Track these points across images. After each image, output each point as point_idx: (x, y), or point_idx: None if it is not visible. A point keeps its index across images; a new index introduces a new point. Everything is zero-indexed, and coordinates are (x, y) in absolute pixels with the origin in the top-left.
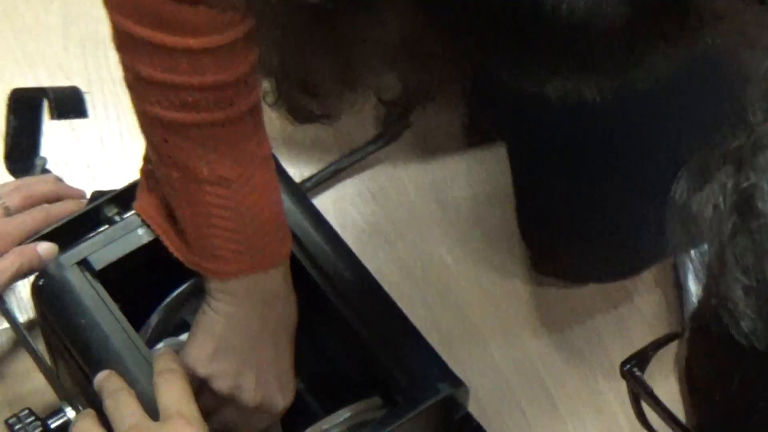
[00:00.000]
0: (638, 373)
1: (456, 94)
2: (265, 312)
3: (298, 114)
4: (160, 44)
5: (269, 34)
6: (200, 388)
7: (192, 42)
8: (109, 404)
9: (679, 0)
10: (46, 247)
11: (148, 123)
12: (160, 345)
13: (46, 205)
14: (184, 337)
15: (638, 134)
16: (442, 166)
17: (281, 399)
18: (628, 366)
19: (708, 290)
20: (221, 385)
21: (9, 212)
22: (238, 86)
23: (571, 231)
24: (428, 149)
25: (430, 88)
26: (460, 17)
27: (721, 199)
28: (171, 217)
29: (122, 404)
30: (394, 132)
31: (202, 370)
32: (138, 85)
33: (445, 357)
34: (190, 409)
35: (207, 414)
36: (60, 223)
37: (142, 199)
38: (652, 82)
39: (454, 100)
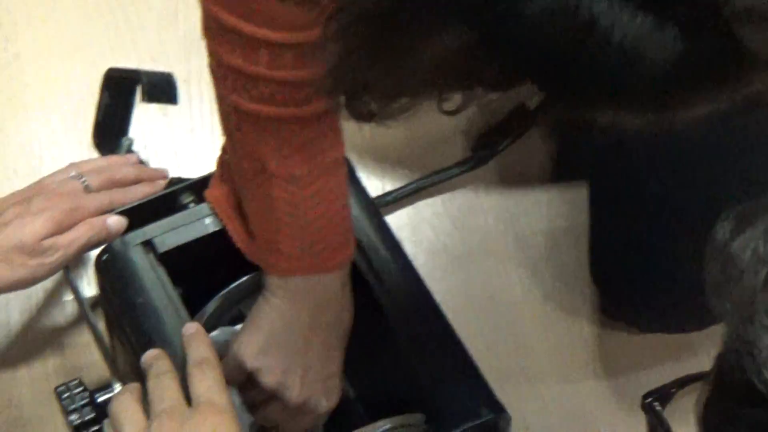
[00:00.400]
0: (658, 408)
1: (548, 128)
2: (319, 313)
3: (353, 109)
4: (243, 33)
5: (334, 27)
6: (247, 381)
7: (275, 35)
8: (151, 384)
9: (735, 45)
10: (115, 220)
11: (225, 109)
12: (215, 332)
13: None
14: (239, 327)
15: (715, 193)
16: (524, 198)
17: (325, 401)
18: (650, 399)
19: (735, 334)
20: (267, 379)
21: (89, 190)
22: (316, 85)
23: (642, 280)
24: (512, 179)
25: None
26: (511, 35)
27: (761, 244)
28: (239, 209)
29: (164, 387)
30: (481, 157)
31: (250, 363)
32: (219, 72)
33: (498, 388)
34: (222, 398)
35: (252, 407)
36: (134, 203)
37: (214, 188)
38: (694, 122)
39: (546, 133)
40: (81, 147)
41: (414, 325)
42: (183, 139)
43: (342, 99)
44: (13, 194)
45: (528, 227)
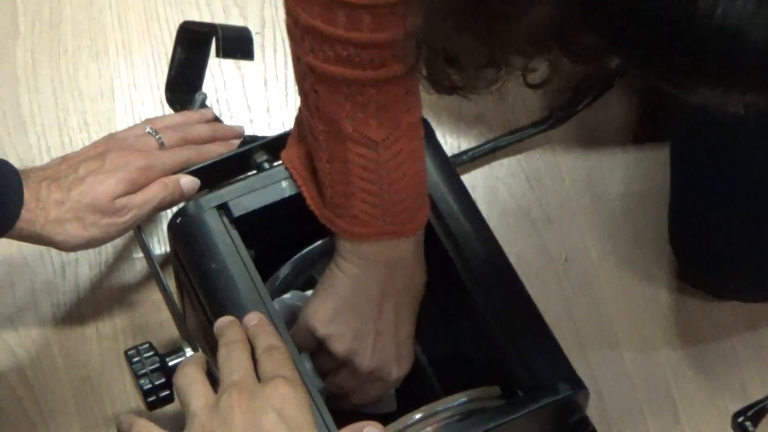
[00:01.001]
0: (751, 429)
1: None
2: (391, 279)
3: (436, 83)
4: None
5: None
6: (317, 348)
7: None
8: (223, 353)
9: None
10: (188, 181)
11: (301, 71)
12: (287, 295)
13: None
14: (310, 293)
15: None
16: (602, 159)
17: (396, 368)
18: (741, 419)
19: None
20: (338, 347)
21: (163, 148)
22: (394, 48)
23: (723, 247)
24: (591, 139)
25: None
26: (609, 10)
27: None
28: (314, 170)
29: (235, 357)
30: (559, 117)
31: (321, 330)
32: (296, 32)
33: (574, 353)
34: (292, 373)
35: (323, 374)
36: (208, 162)
37: (290, 148)
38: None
39: (628, 92)
40: (154, 101)
41: (491, 294)
42: (256, 91)
43: (423, 71)
44: (87, 148)
45: (605, 190)
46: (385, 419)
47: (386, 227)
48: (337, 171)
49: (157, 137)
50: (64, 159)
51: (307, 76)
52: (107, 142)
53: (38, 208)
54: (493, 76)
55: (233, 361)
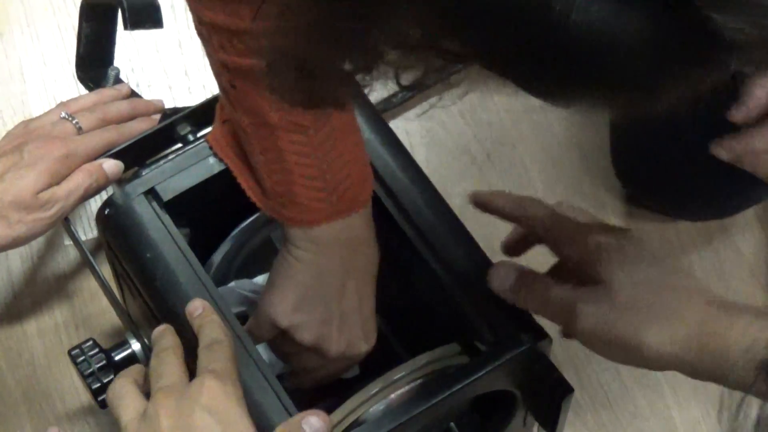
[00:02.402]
0: None
1: None
2: (348, 259)
3: (301, 101)
4: None
5: (272, 11)
6: (279, 335)
7: None
8: (153, 363)
9: (706, 26)
10: (111, 165)
11: (215, 68)
12: (232, 284)
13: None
14: (259, 278)
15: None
16: None
17: (365, 345)
18: None
19: None
20: (305, 336)
21: (81, 132)
22: None
23: (666, 168)
24: None
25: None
26: (470, 19)
27: None
28: (247, 156)
29: (165, 364)
30: None
31: (285, 321)
32: (202, 30)
33: None
34: (224, 365)
35: (284, 357)
36: (130, 141)
37: (216, 131)
38: (673, 109)
39: None
40: (67, 77)
41: (441, 251)
42: (172, 55)
43: (279, 90)
44: (2, 142)
45: (543, 116)
46: (347, 384)
47: (335, 208)
48: (273, 161)
49: (74, 122)
50: None
51: (222, 73)
52: (22, 133)
53: None
54: (362, 82)
55: (163, 367)
